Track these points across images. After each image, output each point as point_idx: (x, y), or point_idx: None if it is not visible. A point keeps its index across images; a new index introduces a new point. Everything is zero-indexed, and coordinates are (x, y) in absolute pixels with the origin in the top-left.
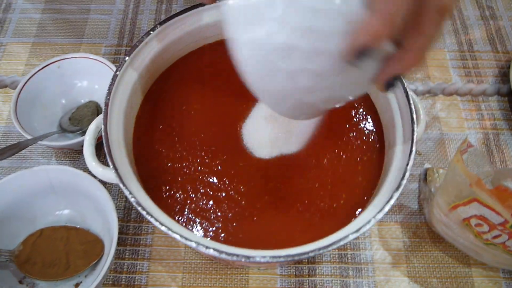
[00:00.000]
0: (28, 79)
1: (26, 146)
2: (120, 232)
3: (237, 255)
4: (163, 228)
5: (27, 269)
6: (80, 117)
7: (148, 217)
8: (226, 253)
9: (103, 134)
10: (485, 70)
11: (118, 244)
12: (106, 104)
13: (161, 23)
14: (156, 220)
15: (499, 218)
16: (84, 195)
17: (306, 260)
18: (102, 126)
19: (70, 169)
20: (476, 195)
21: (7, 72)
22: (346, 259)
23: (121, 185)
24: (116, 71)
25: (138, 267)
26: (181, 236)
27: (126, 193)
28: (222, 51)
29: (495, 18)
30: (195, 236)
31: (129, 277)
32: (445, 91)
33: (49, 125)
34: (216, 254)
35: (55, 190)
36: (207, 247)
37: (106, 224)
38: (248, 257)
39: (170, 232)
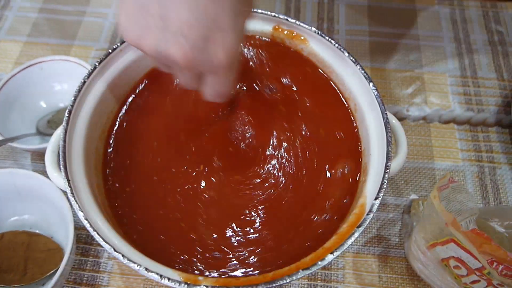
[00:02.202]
0: (9, 79)
1: None
2: (84, 242)
3: (179, 282)
4: (107, 246)
5: None
6: (59, 120)
7: (91, 231)
8: (169, 279)
9: (60, 142)
10: (487, 98)
11: (81, 254)
12: (69, 112)
13: None
14: (100, 237)
15: (476, 263)
16: (49, 202)
17: None
18: (61, 134)
19: (35, 174)
20: (453, 236)
21: None
22: None
23: (70, 196)
24: (85, 77)
25: (98, 280)
26: (123, 256)
27: (75, 205)
28: None
29: (504, 43)
30: (139, 257)
31: None
32: (441, 118)
33: (26, 127)
34: (157, 278)
35: (20, 194)
36: (149, 270)
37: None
38: (190, 286)
39: (112, 251)
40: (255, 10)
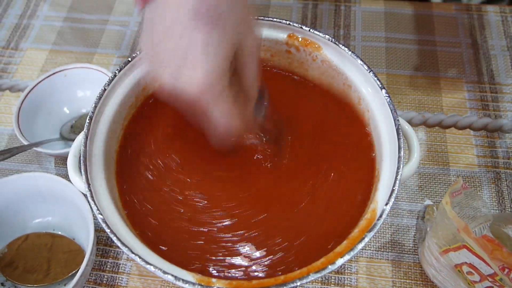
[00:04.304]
0: (35, 86)
1: (19, 152)
2: (104, 244)
3: (193, 284)
4: (125, 249)
5: (8, 273)
6: (81, 125)
7: (110, 233)
8: (183, 280)
9: (81, 147)
10: (504, 104)
11: (101, 256)
12: (90, 118)
13: None
14: (118, 239)
15: (488, 269)
16: (71, 205)
17: None
18: (82, 139)
19: (58, 178)
20: (465, 242)
21: (22, 77)
22: None
23: (90, 199)
24: (105, 85)
25: (117, 280)
26: (140, 258)
27: (94, 208)
28: None
29: None
30: (155, 259)
31: None
32: (457, 124)
33: (50, 132)
34: (172, 280)
35: (44, 197)
36: (164, 272)
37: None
38: (204, 287)
39: (129, 253)
40: (270, 18)
